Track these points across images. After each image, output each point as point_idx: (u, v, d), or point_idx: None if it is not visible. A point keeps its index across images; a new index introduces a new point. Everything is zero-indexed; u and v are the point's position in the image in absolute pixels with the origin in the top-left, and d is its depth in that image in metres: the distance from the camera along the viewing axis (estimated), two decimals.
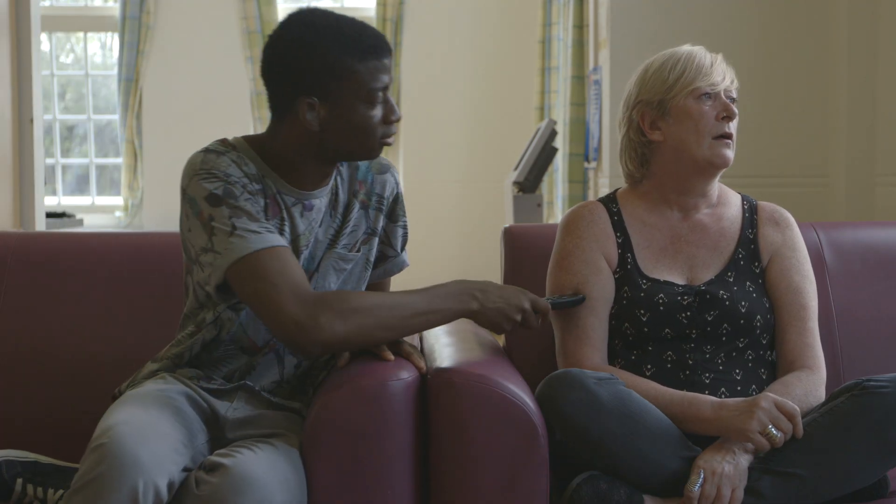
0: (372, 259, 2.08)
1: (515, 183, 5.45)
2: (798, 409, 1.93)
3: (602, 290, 2.13)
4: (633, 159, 2.21)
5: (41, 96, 4.85)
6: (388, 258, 2.13)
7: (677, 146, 2.13)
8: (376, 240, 2.08)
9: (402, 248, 2.15)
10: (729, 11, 4.58)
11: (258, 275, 1.82)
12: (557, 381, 1.90)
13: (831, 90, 4.60)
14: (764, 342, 2.13)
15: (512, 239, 2.41)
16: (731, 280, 2.13)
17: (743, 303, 2.10)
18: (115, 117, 7.49)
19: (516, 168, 5.57)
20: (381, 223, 2.08)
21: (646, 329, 2.09)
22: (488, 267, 4.87)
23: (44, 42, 7.47)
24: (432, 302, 1.90)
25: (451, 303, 1.91)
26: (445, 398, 1.86)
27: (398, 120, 1.95)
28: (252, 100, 7.25)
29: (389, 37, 7.18)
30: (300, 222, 1.96)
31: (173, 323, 2.09)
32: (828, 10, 4.59)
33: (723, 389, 2.05)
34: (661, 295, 2.10)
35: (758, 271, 2.16)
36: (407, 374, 1.87)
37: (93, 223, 7.19)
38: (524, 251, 2.39)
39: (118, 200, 7.54)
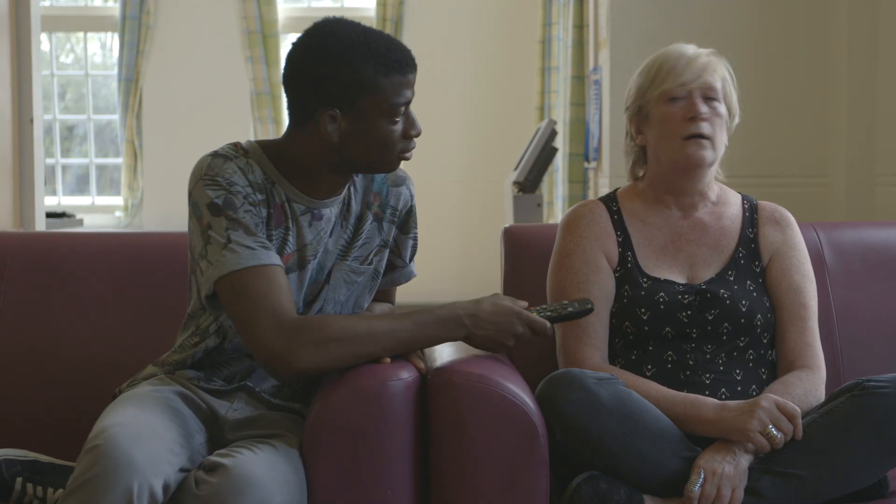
0: (381, 270, 2.07)
1: (515, 183, 5.45)
2: (799, 410, 1.93)
3: (602, 289, 2.13)
4: (635, 161, 2.24)
5: (41, 96, 4.85)
6: (396, 268, 2.13)
7: (655, 150, 2.17)
8: (387, 251, 2.07)
9: (411, 259, 2.14)
10: (729, 11, 4.57)
11: (242, 294, 1.82)
12: (557, 381, 1.90)
13: (831, 90, 4.60)
14: (764, 341, 2.13)
15: (512, 239, 2.41)
16: (732, 279, 2.14)
17: (743, 302, 2.10)
18: (115, 117, 7.49)
19: (516, 168, 5.57)
20: (392, 234, 2.07)
21: (646, 328, 2.09)
22: (488, 267, 4.87)
23: (44, 42, 7.47)
24: (417, 330, 1.87)
25: (438, 330, 1.89)
26: (445, 398, 1.86)
27: (418, 135, 1.94)
28: (252, 100, 7.25)
29: None
30: (308, 231, 1.95)
31: (174, 323, 2.09)
32: (828, 10, 4.58)
33: (723, 390, 2.05)
34: (662, 293, 2.10)
35: (758, 270, 2.16)
36: (407, 374, 1.87)
37: (93, 223, 7.19)
38: (524, 251, 2.39)
39: (118, 200, 7.54)
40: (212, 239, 1.84)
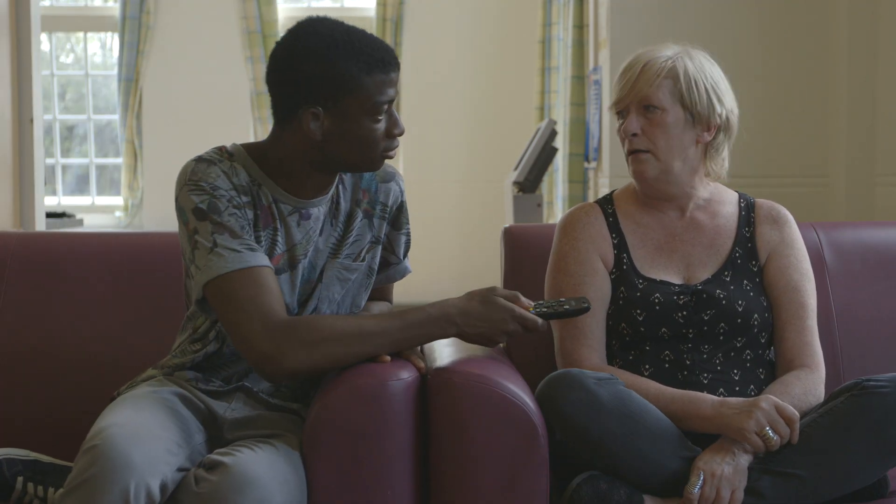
0: (375, 267, 2.07)
1: (515, 183, 5.45)
2: (797, 414, 1.93)
3: (598, 290, 2.13)
4: None
5: (41, 96, 4.85)
6: (390, 265, 2.13)
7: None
8: (380, 247, 2.07)
9: (405, 255, 2.14)
10: (729, 11, 4.57)
11: (229, 298, 1.83)
12: (557, 381, 1.90)
13: (831, 90, 4.60)
14: (762, 341, 2.13)
15: (512, 239, 2.41)
16: (728, 279, 2.13)
17: (740, 302, 2.10)
18: (115, 117, 7.49)
19: (516, 168, 5.57)
20: (384, 231, 2.07)
21: (642, 329, 2.09)
22: (488, 267, 4.87)
23: (44, 42, 7.47)
24: (408, 329, 1.87)
25: (429, 328, 1.88)
26: (445, 398, 1.86)
27: (401, 134, 1.94)
28: (252, 100, 7.25)
29: (389, 37, 7.18)
30: (296, 231, 1.96)
31: (174, 323, 2.09)
32: (828, 10, 4.58)
33: (721, 389, 2.05)
34: (657, 294, 2.10)
35: (755, 269, 2.16)
36: (407, 374, 1.87)
37: (93, 223, 7.19)
38: (524, 251, 2.39)
39: (118, 200, 7.54)
40: (198, 244, 1.86)
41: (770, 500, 1.90)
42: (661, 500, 1.91)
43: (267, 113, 7.16)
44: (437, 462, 1.87)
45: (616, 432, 1.87)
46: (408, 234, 2.13)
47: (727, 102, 2.14)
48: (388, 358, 1.91)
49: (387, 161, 2.01)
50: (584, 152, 5.69)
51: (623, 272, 2.15)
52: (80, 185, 7.81)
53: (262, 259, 1.86)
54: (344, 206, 2.02)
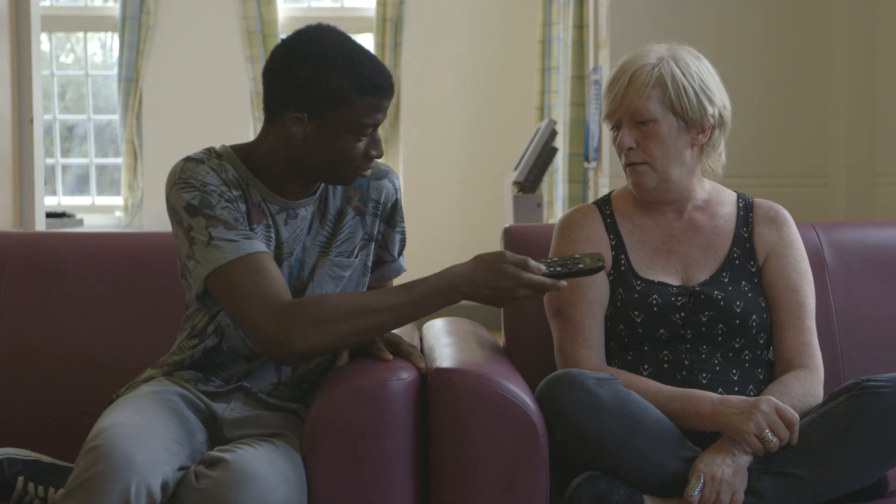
0: (370, 264, 2.07)
1: (515, 183, 5.45)
2: (798, 417, 1.92)
3: (597, 291, 2.13)
4: None
5: (41, 96, 4.86)
6: (384, 263, 2.13)
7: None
8: (373, 245, 2.08)
9: (400, 254, 2.14)
10: (729, 11, 4.58)
11: (231, 287, 1.84)
12: (557, 381, 1.90)
13: (831, 90, 4.60)
14: (760, 342, 2.12)
15: (512, 239, 2.41)
16: (727, 280, 2.13)
17: (738, 303, 2.10)
18: (115, 117, 7.50)
19: (516, 168, 5.58)
20: (378, 228, 2.08)
21: (640, 330, 2.09)
22: None
23: (44, 42, 7.48)
24: (414, 302, 1.86)
25: (436, 298, 1.87)
26: (445, 398, 1.86)
27: (379, 156, 1.95)
28: (252, 100, 7.26)
29: (389, 37, 7.19)
30: (284, 230, 1.97)
31: (174, 323, 2.09)
32: (828, 10, 4.59)
33: (720, 390, 2.05)
34: (655, 296, 2.10)
35: (754, 270, 2.16)
36: (407, 374, 1.87)
37: (93, 223, 7.20)
38: (524, 251, 2.37)
39: (118, 200, 7.54)
40: (195, 239, 1.87)
41: (770, 501, 1.90)
42: (661, 500, 1.91)
43: None
44: (437, 462, 1.87)
45: (616, 432, 1.87)
46: (403, 233, 2.13)
47: (717, 100, 2.13)
48: (390, 356, 1.91)
49: (381, 160, 2.02)
50: (584, 152, 5.69)
51: (621, 273, 2.15)
52: (80, 185, 7.81)
53: (259, 246, 1.87)
54: (333, 203, 2.02)
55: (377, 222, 2.06)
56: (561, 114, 6.11)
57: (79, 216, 6.75)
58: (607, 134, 4.86)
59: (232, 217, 1.88)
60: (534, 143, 5.57)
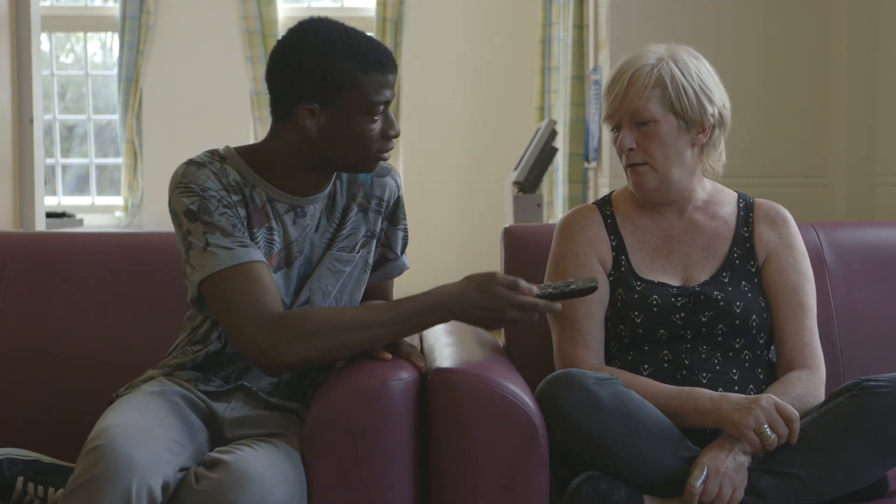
0: (371, 261, 2.07)
1: (515, 183, 5.45)
2: (797, 414, 1.93)
3: (597, 292, 2.13)
4: None
5: (41, 96, 4.85)
6: (387, 261, 2.13)
7: None
8: (375, 242, 2.08)
9: (402, 251, 2.15)
10: (729, 12, 4.57)
11: (223, 295, 1.85)
12: (557, 381, 1.90)
13: (831, 90, 4.60)
14: (761, 342, 2.13)
15: (512, 239, 2.41)
16: (727, 280, 2.13)
17: (738, 303, 2.10)
18: (115, 117, 7.49)
19: (516, 168, 5.58)
20: (380, 226, 2.08)
21: (640, 331, 2.09)
22: (488, 267, 4.86)
23: (44, 42, 7.48)
24: (402, 319, 1.86)
25: (425, 317, 1.87)
26: (445, 398, 1.86)
27: (396, 136, 1.95)
28: (252, 100, 7.26)
29: (389, 37, 7.19)
30: (292, 229, 1.97)
31: (174, 323, 2.09)
32: (828, 10, 4.59)
33: (720, 389, 2.05)
34: (655, 296, 2.10)
35: (754, 270, 2.16)
36: (407, 374, 1.87)
37: (93, 223, 7.19)
38: (524, 251, 2.39)
39: (118, 200, 7.54)
40: (192, 244, 1.88)
41: (770, 500, 1.90)
42: (661, 500, 1.91)
43: (267, 113, 7.11)
44: (437, 462, 1.87)
45: (616, 432, 1.87)
46: (405, 231, 2.13)
47: (717, 99, 2.13)
48: (389, 356, 1.91)
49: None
50: (584, 152, 5.69)
51: (621, 274, 2.15)
52: (80, 185, 7.81)
53: (255, 254, 1.87)
54: (340, 200, 2.03)
55: (380, 219, 2.07)
56: (561, 114, 6.11)
57: (79, 216, 6.74)
58: (607, 134, 4.87)
59: (230, 224, 1.88)
60: (534, 143, 5.57)
